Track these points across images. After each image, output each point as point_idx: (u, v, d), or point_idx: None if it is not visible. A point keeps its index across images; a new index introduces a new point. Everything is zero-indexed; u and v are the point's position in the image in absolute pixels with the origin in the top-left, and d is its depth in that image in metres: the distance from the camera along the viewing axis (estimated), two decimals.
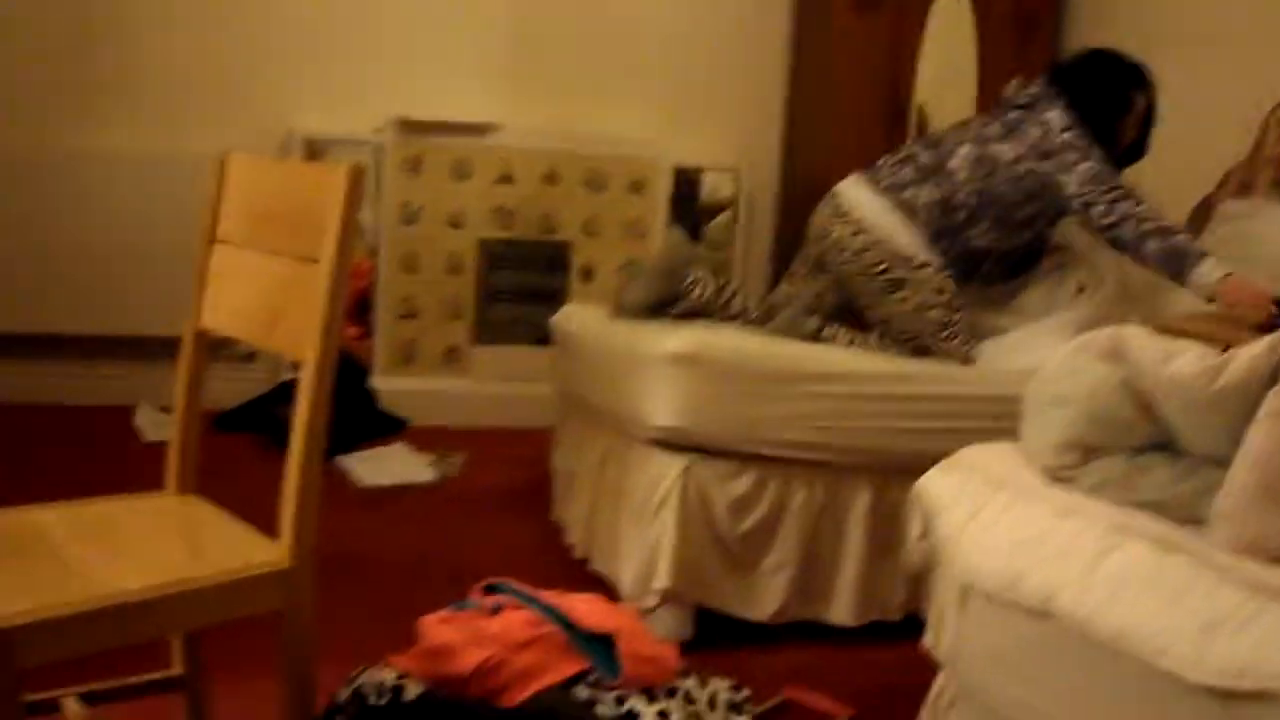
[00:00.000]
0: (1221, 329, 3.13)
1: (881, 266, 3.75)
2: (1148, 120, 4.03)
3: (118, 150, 5.25)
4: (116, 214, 5.23)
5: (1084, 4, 5.89)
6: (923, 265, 3.75)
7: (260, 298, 2.17)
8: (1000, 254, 3.92)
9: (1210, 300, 3.56)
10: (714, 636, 3.42)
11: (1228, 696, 1.76)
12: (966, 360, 3.75)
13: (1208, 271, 3.56)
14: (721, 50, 6.14)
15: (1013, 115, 3.89)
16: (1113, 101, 3.93)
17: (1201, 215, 4.76)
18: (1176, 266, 3.60)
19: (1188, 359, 2.19)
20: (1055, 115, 3.80)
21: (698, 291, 3.83)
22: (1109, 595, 1.98)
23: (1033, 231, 3.90)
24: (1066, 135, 3.76)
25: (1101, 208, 3.67)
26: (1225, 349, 2.22)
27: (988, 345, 3.86)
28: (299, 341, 2.03)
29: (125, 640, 1.83)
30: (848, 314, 3.93)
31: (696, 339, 3.40)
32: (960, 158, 3.83)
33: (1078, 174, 3.71)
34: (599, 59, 5.92)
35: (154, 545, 2.09)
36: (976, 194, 3.78)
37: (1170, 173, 4.53)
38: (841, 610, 3.55)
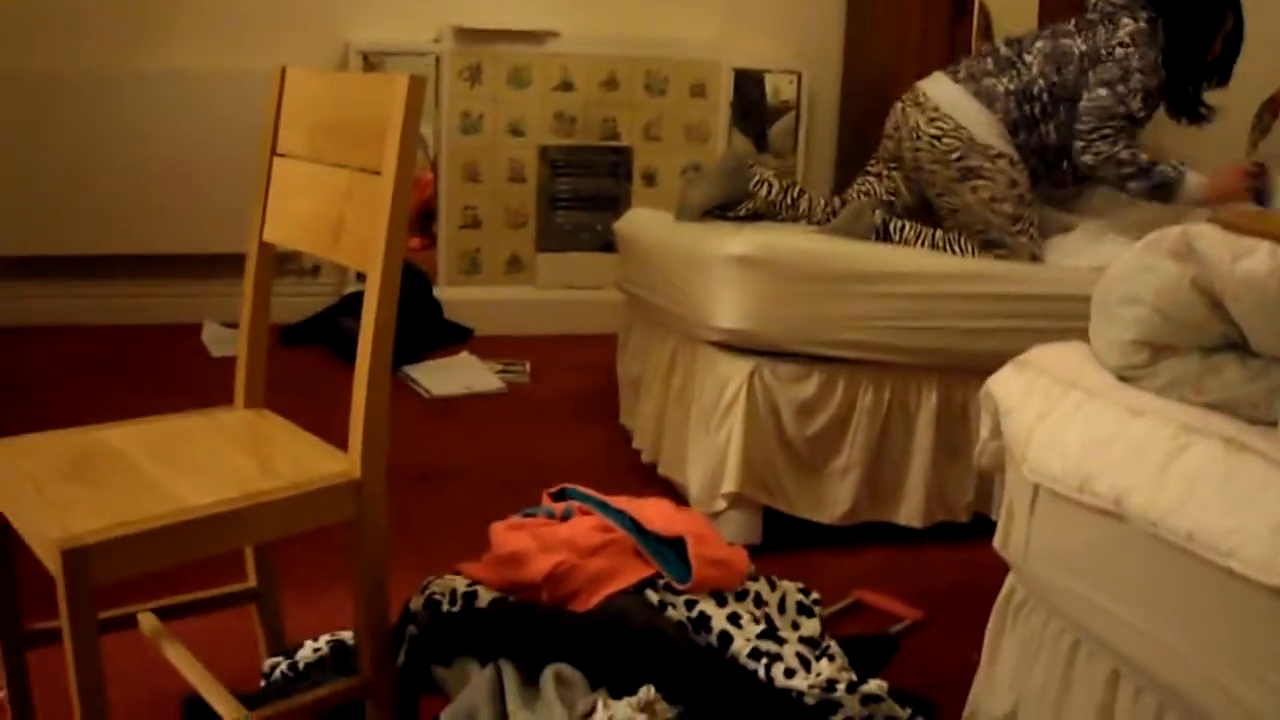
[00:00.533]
0: None
1: (958, 154, 3.72)
2: (1234, 42, 3.96)
3: (176, 69, 5.26)
4: (177, 133, 5.25)
5: None
6: (999, 155, 3.71)
7: (323, 210, 2.17)
8: (1074, 154, 3.87)
9: (1203, 206, 3.62)
10: (783, 539, 3.43)
11: None
12: (1035, 257, 3.72)
13: (1194, 185, 3.69)
14: None
15: (1092, 16, 3.84)
16: (1204, 16, 3.87)
17: (1269, 112, 4.70)
18: (1165, 195, 3.73)
19: (1259, 258, 2.15)
20: (1126, 25, 3.76)
21: (764, 191, 3.81)
22: (1179, 496, 1.97)
23: None
24: (1120, 50, 3.72)
25: (1079, 143, 3.70)
26: None
27: (1055, 241, 3.83)
28: (363, 254, 2.03)
29: (198, 555, 1.85)
30: (920, 213, 3.91)
31: (760, 240, 3.38)
32: (1036, 51, 3.79)
33: (1094, 97, 3.70)
34: None
35: (224, 460, 2.11)
36: (1050, 87, 3.74)
37: (1241, 65, 4.46)
38: (910, 512, 3.55)
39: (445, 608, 2.44)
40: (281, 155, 2.33)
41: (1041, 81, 3.74)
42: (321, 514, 2.02)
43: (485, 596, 2.46)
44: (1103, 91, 3.69)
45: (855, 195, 3.95)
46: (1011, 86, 3.75)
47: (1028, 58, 3.79)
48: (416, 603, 2.47)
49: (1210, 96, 4.00)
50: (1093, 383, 2.35)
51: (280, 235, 2.33)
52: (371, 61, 5.44)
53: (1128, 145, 3.68)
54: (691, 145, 5.84)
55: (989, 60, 3.84)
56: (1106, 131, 3.68)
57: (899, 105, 3.91)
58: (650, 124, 5.79)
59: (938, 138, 3.75)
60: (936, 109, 3.77)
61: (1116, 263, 2.44)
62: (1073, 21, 3.86)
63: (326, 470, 2.03)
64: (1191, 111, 3.99)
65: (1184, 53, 3.84)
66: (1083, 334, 2.54)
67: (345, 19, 5.49)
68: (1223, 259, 2.18)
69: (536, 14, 5.63)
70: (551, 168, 5.69)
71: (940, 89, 3.83)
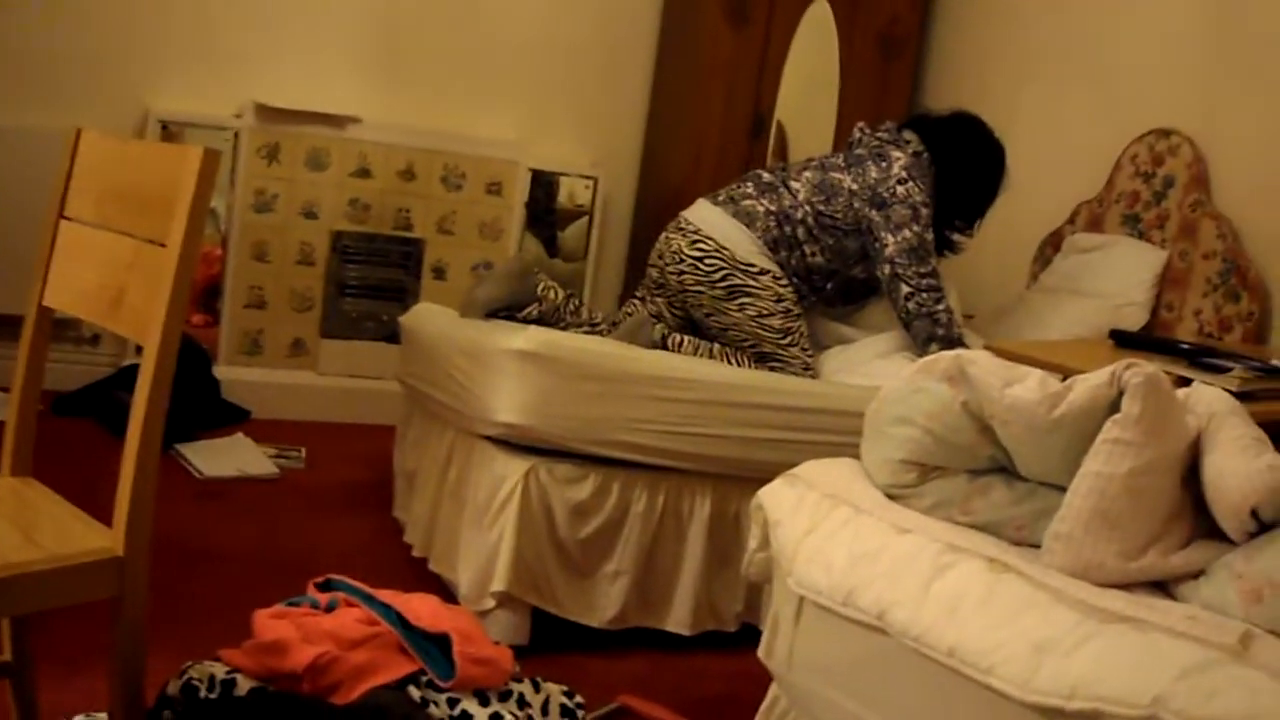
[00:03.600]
0: (1062, 356, 3.21)
1: (721, 273, 3.80)
2: (991, 186, 4.14)
3: None
4: None
5: (948, 32, 5.99)
6: (762, 272, 3.81)
7: (105, 277, 2.13)
8: (842, 277, 3.99)
9: None
10: (551, 641, 3.42)
11: (1057, 716, 1.80)
12: (807, 368, 3.81)
13: None
14: (586, 57, 6.14)
15: (859, 151, 3.98)
16: (972, 168, 4.05)
17: (1052, 245, 4.90)
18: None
19: (1028, 385, 2.24)
20: (898, 159, 3.90)
21: (551, 295, 3.83)
22: (942, 613, 2.02)
23: (865, 268, 3.98)
24: (901, 188, 3.86)
25: (906, 288, 3.83)
26: (1065, 377, 2.27)
27: (834, 353, 3.93)
28: (141, 325, 1.99)
29: None
30: (689, 330, 3.97)
31: (543, 337, 3.40)
32: (802, 180, 3.92)
33: (899, 240, 3.83)
34: (463, 58, 5.89)
35: None
36: (815, 215, 3.86)
37: (1025, 203, 4.65)
38: (679, 619, 3.57)
39: (203, 694, 2.38)
40: (68, 219, 2.28)
41: (807, 208, 3.86)
42: (82, 589, 1.96)
43: (244, 685, 2.42)
44: (905, 232, 3.82)
45: (622, 317, 4.01)
46: (772, 208, 3.86)
47: (794, 185, 3.91)
48: (174, 687, 2.41)
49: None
50: (861, 499, 2.41)
51: (60, 300, 2.28)
52: (171, 130, 5.35)
53: (940, 299, 3.81)
54: (484, 242, 5.85)
55: (749, 185, 3.96)
56: (926, 280, 3.81)
57: (664, 234, 4.00)
58: (444, 218, 5.79)
59: (700, 259, 3.84)
60: (697, 231, 3.87)
61: (890, 383, 2.51)
62: (841, 156, 4.01)
63: (89, 545, 1.98)
64: (943, 243, 4.14)
65: (948, 187, 4.00)
66: (856, 450, 2.60)
67: (148, 85, 5.39)
68: (993, 384, 2.25)
69: (340, 98, 5.60)
70: (342, 254, 5.65)
71: (700, 213, 3.94)
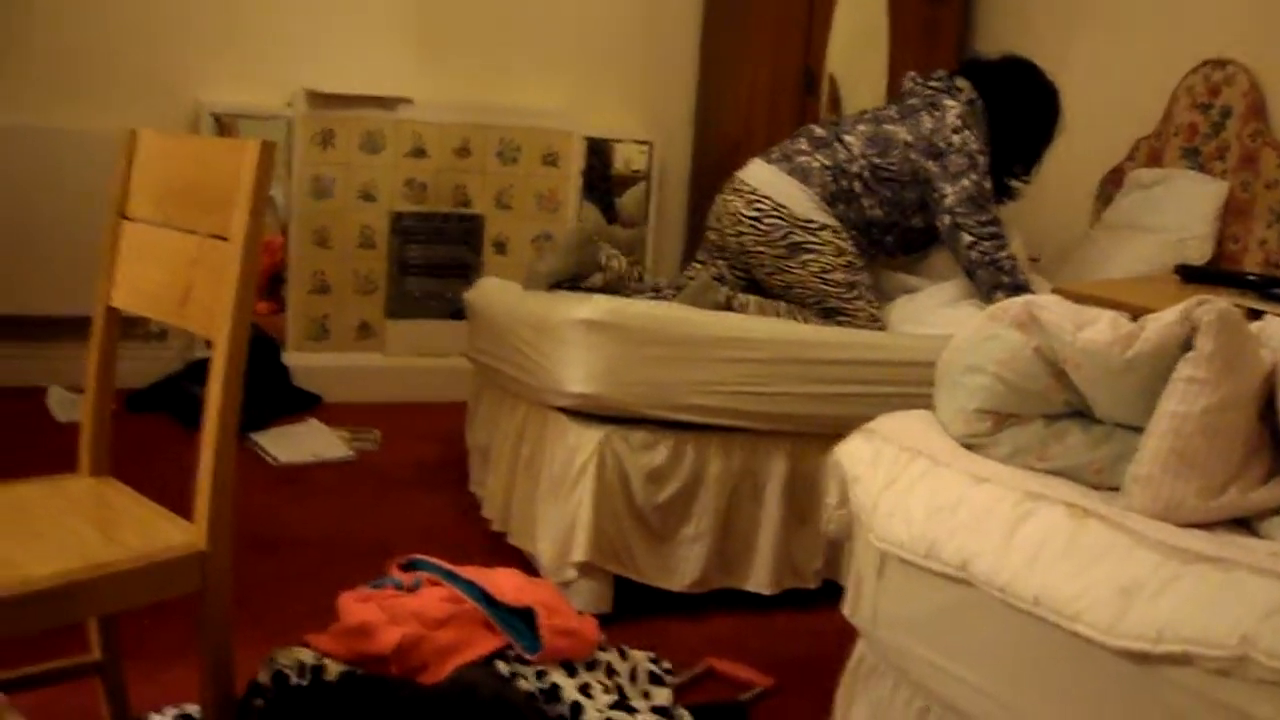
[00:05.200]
0: (1131, 295, 3.18)
1: (781, 231, 3.78)
2: (1046, 131, 4.10)
3: (20, 126, 5.14)
4: (25, 191, 5.13)
5: None
6: (822, 227, 3.79)
7: (170, 275, 2.15)
8: (901, 229, 3.95)
9: None
10: (634, 608, 3.42)
11: (1144, 659, 1.78)
12: (874, 321, 3.79)
13: None
14: (634, 21, 6.12)
15: (911, 101, 3.94)
16: (1027, 113, 4.00)
17: (1113, 182, 4.85)
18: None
19: (1100, 327, 2.21)
20: (952, 110, 3.85)
21: (616, 264, 3.83)
22: (1025, 561, 2.01)
23: (924, 218, 3.94)
24: (957, 137, 3.82)
25: (969, 238, 3.78)
26: (1135, 316, 2.24)
27: (900, 303, 3.91)
28: (210, 320, 2.01)
29: (39, 627, 1.80)
30: (753, 291, 3.96)
31: (608, 305, 3.40)
32: (856, 133, 3.89)
33: (957, 189, 3.79)
34: (510, 30, 5.88)
35: (67, 529, 2.06)
36: (870, 168, 3.83)
37: (1083, 142, 4.60)
38: (760, 579, 3.57)
39: (293, 681, 2.40)
40: (129, 219, 2.30)
41: (862, 160, 3.83)
42: (166, 586, 1.98)
43: (333, 669, 2.44)
44: (964, 181, 3.78)
45: (685, 281, 3.99)
46: (827, 162, 3.83)
47: (848, 138, 3.87)
48: (263, 676, 2.43)
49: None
50: (938, 450, 2.39)
51: (127, 300, 2.30)
52: (224, 122, 5.38)
53: (1002, 245, 3.78)
54: (543, 213, 5.85)
55: (803, 140, 3.93)
56: (988, 228, 3.78)
57: (719, 196, 3.98)
58: (502, 192, 5.79)
59: (758, 219, 3.82)
60: (754, 192, 3.85)
61: (960, 332, 2.49)
62: (893, 108, 3.97)
63: (172, 541, 2.00)
64: (1002, 190, 4.10)
65: (1004, 134, 3.95)
66: (928, 401, 2.58)
67: (197, 79, 5.42)
68: (1065, 328, 2.23)
69: (390, 80, 5.61)
70: (402, 234, 5.67)
71: (755, 172, 3.91)
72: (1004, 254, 3.79)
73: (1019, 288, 3.74)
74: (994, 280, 3.79)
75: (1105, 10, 5.17)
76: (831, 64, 5.79)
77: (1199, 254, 4.28)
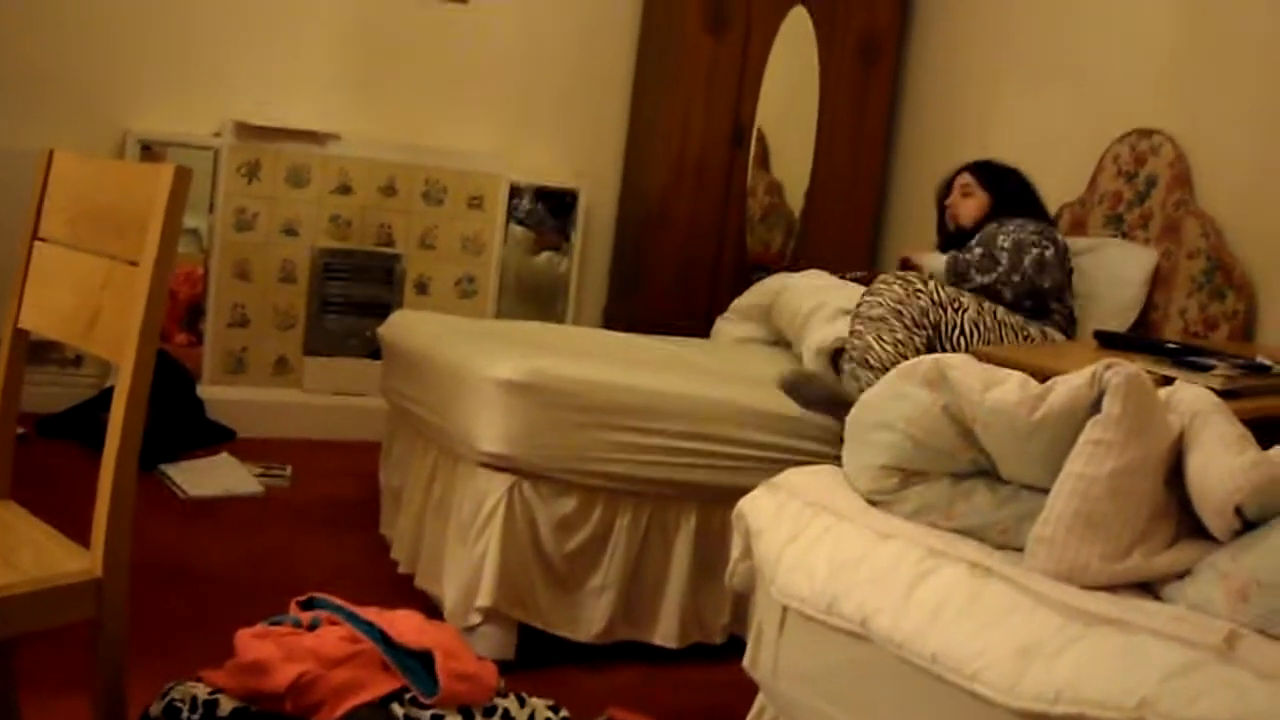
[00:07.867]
0: (1044, 358, 3.21)
1: None
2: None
3: None
4: None
5: (928, 36, 5.99)
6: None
7: (80, 298, 2.12)
8: None
9: None
10: (538, 657, 3.40)
11: None
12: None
13: None
14: (565, 67, 6.14)
15: None
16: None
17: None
18: None
19: (1008, 387, 2.23)
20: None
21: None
22: (925, 618, 2.01)
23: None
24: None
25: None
26: (1046, 379, 2.26)
27: None
28: (117, 344, 1.99)
29: None
30: None
31: (530, 366, 3.39)
32: None
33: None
34: (442, 72, 5.88)
35: None
36: None
37: None
38: (666, 632, 3.55)
39: (185, 715, 2.37)
40: (42, 240, 2.27)
41: None
42: (61, 612, 1.95)
43: (227, 705, 2.41)
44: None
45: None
46: None
47: None
48: (156, 709, 2.40)
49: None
50: (843, 506, 2.40)
51: (36, 322, 2.26)
52: (152, 151, 5.33)
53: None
54: (466, 256, 5.84)
55: None
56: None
57: None
58: (426, 232, 5.78)
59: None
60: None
61: (870, 389, 2.51)
62: None
63: (67, 567, 1.97)
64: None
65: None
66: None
67: (126, 106, 5.38)
68: (974, 388, 2.25)
69: (319, 115, 5.60)
70: (324, 270, 5.64)
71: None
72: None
73: None
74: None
75: (1033, 76, 5.24)
76: (762, 118, 5.83)
77: (1121, 321, 4.32)
